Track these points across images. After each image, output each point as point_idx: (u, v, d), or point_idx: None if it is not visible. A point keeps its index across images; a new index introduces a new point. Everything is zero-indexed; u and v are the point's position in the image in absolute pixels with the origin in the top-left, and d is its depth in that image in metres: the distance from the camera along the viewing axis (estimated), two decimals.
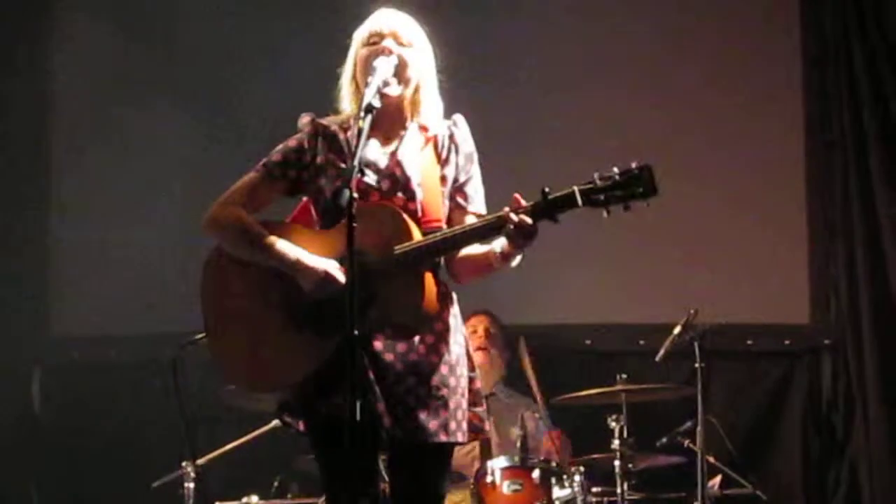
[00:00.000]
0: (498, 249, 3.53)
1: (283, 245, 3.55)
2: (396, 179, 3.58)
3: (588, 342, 6.80)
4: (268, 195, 3.67)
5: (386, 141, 3.66)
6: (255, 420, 5.63)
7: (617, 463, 5.53)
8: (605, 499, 5.73)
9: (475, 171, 3.72)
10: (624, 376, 5.67)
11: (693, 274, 6.61)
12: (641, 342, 6.49)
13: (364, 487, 3.54)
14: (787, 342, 6.80)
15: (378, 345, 3.50)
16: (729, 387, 6.66)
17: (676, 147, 6.57)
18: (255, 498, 5.69)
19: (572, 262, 6.57)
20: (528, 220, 3.40)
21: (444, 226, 3.60)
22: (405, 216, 3.51)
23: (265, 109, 6.41)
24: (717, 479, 5.86)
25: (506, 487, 5.47)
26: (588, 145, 6.50)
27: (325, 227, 3.62)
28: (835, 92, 6.78)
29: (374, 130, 3.54)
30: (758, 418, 6.73)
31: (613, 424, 5.55)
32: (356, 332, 3.16)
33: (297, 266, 3.52)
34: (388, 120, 3.63)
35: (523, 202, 3.42)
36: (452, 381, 3.56)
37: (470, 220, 3.61)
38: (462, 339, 3.66)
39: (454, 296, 3.66)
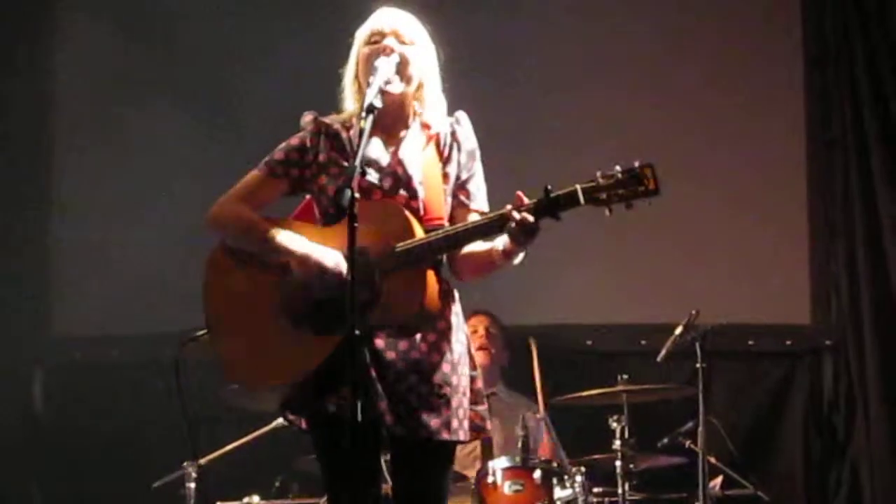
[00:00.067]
0: (500, 247, 3.53)
1: (286, 235, 3.56)
2: (398, 177, 3.58)
3: (589, 342, 6.80)
4: (270, 193, 3.68)
5: (388, 139, 3.66)
6: (256, 420, 5.63)
7: (618, 463, 5.53)
8: (607, 499, 5.73)
9: (478, 168, 3.72)
10: (625, 377, 5.68)
11: (694, 274, 6.61)
12: (643, 342, 6.49)
13: (366, 487, 3.55)
14: (788, 342, 6.80)
15: (380, 343, 3.49)
16: (730, 387, 6.66)
17: (677, 147, 6.56)
18: (256, 498, 5.68)
19: (573, 262, 6.57)
20: (531, 218, 3.40)
21: (447, 223, 3.60)
22: (407, 214, 3.52)
23: (265, 109, 6.41)
24: (719, 479, 5.86)
25: (507, 488, 5.46)
26: (588, 145, 6.50)
27: (327, 224, 3.62)
28: (836, 91, 6.79)
29: (377, 129, 3.53)
30: (759, 419, 6.73)
31: (615, 425, 5.55)
32: (357, 332, 3.16)
33: (301, 254, 3.52)
34: (391, 118, 3.63)
35: (525, 200, 3.42)
36: (454, 380, 3.56)
37: (473, 217, 3.61)
38: (464, 337, 3.66)
39: (456, 294, 3.66)
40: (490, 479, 5.46)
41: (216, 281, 3.68)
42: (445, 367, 3.55)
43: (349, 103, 3.71)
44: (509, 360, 6.56)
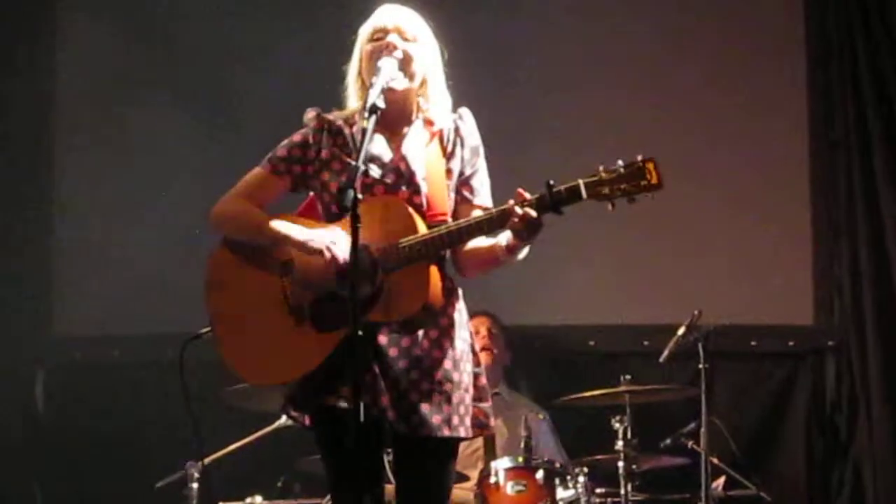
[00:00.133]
0: (503, 243, 3.53)
1: (287, 226, 3.58)
2: (401, 173, 3.58)
3: (592, 343, 6.79)
4: (273, 190, 3.69)
5: (391, 135, 3.66)
6: (258, 420, 5.62)
7: (621, 464, 5.51)
8: (609, 499, 5.71)
9: (481, 164, 3.72)
10: (628, 377, 5.66)
11: (697, 275, 6.61)
12: (645, 343, 6.47)
13: (369, 485, 3.55)
14: (790, 343, 6.79)
15: (382, 339, 3.50)
16: (733, 388, 6.65)
17: (679, 147, 6.56)
18: (258, 498, 5.67)
19: (576, 262, 6.57)
20: (533, 213, 3.39)
21: (450, 219, 3.59)
22: (410, 209, 3.51)
23: (265, 109, 6.41)
24: (721, 480, 5.85)
25: (509, 488, 5.46)
26: (589, 144, 6.49)
27: (330, 221, 3.62)
28: (838, 91, 6.78)
29: (379, 125, 3.53)
30: (762, 419, 6.73)
31: (617, 425, 5.54)
32: (360, 332, 3.16)
33: (302, 240, 3.53)
34: (394, 114, 3.62)
35: (527, 195, 3.41)
36: (456, 376, 3.56)
37: (476, 213, 3.60)
38: (467, 334, 3.65)
39: (460, 291, 3.66)
40: (493, 480, 5.47)
41: (218, 279, 3.69)
42: (447, 364, 3.55)
43: (352, 100, 3.72)
44: (511, 360, 6.56)
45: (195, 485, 5.44)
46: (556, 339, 6.78)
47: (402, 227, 3.48)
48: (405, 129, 3.67)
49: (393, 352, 3.50)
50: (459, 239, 3.50)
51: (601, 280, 6.65)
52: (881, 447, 6.50)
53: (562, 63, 6.90)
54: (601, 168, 3.40)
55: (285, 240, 3.57)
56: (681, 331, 5.61)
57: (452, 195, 3.65)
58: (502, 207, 3.45)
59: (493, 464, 5.52)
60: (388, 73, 3.52)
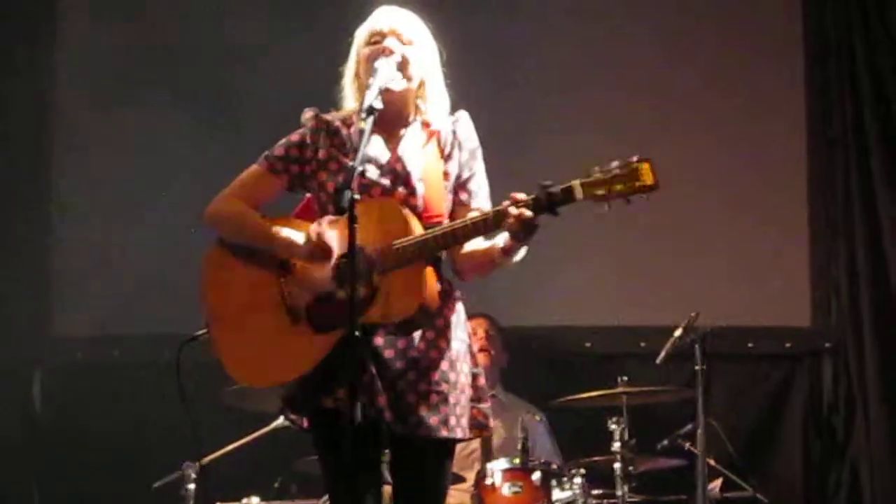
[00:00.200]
0: (500, 245, 3.52)
1: (282, 230, 3.58)
2: (398, 174, 3.58)
3: (588, 344, 6.80)
4: (269, 189, 3.68)
5: (389, 136, 3.66)
6: (255, 421, 5.63)
7: (617, 465, 5.52)
8: (606, 501, 5.72)
9: (479, 167, 3.71)
10: (624, 378, 5.67)
11: (694, 276, 6.62)
12: (642, 344, 6.48)
13: (366, 487, 3.54)
14: (787, 345, 6.80)
15: (378, 340, 3.50)
16: (730, 389, 6.66)
17: (677, 147, 6.56)
18: (255, 499, 5.67)
19: (573, 263, 6.57)
20: (529, 213, 3.39)
21: (447, 221, 3.59)
22: (406, 211, 3.51)
23: (265, 109, 6.40)
24: (718, 481, 5.86)
25: (506, 489, 5.47)
26: (587, 145, 6.48)
27: None
28: (836, 90, 6.79)
29: (377, 126, 3.53)
30: (759, 421, 6.74)
31: (614, 427, 5.55)
32: (357, 333, 3.18)
33: (297, 244, 3.52)
34: (391, 115, 3.62)
35: (521, 196, 3.41)
36: (453, 377, 3.56)
37: (472, 215, 3.59)
38: (464, 334, 3.65)
39: (457, 293, 3.66)
40: (489, 481, 5.48)
41: (214, 278, 3.69)
42: (444, 365, 3.55)
43: (349, 101, 3.71)
44: (508, 362, 6.57)
45: (192, 485, 5.45)
46: (553, 341, 6.79)
47: (398, 228, 3.47)
48: (403, 131, 3.67)
49: (389, 353, 3.50)
50: (455, 240, 3.49)
51: (598, 281, 6.66)
52: (878, 448, 6.51)
53: (560, 64, 6.91)
54: (597, 169, 3.40)
55: (279, 245, 3.56)
56: (678, 332, 5.61)
57: (449, 197, 3.64)
58: (498, 208, 3.45)
59: (490, 465, 5.52)
60: (386, 74, 3.52)
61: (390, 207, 3.52)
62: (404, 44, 3.63)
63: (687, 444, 5.78)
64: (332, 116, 3.69)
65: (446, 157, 3.65)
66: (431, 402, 3.52)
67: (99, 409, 6.72)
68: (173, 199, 6.65)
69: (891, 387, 6.54)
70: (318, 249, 3.50)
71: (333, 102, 3.76)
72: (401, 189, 3.57)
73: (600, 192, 3.38)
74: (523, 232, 3.42)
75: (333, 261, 3.49)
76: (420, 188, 3.57)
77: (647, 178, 3.37)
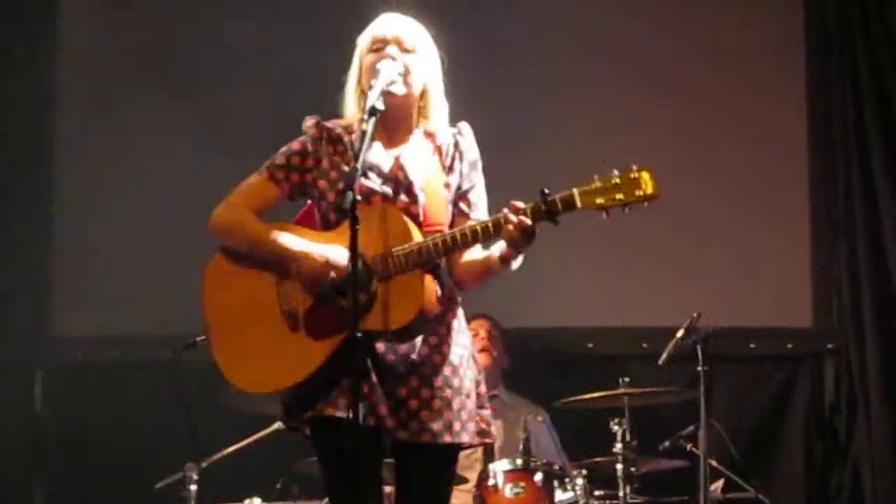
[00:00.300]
0: (497, 253, 3.52)
1: (285, 237, 3.57)
2: (399, 182, 3.58)
3: (590, 345, 6.80)
4: (270, 198, 3.68)
5: (390, 144, 3.65)
6: (257, 422, 5.62)
7: (619, 466, 5.52)
8: (608, 502, 5.72)
9: (479, 178, 3.71)
10: (626, 379, 5.65)
11: (695, 277, 6.62)
12: (644, 345, 6.47)
13: (367, 493, 3.53)
14: (789, 346, 6.80)
15: (380, 346, 3.49)
16: (732, 390, 6.66)
17: (678, 148, 6.57)
18: (257, 500, 5.66)
19: (575, 264, 6.58)
20: (528, 221, 3.39)
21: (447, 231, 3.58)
22: (406, 218, 3.51)
23: (265, 109, 6.42)
24: (720, 482, 5.86)
25: (508, 490, 5.47)
26: (587, 146, 6.49)
27: (326, 229, 3.61)
28: (838, 90, 6.78)
29: (379, 134, 3.56)
30: (760, 422, 6.74)
31: (616, 428, 5.55)
32: (358, 335, 3.18)
33: (300, 253, 3.52)
34: (393, 123, 3.63)
35: (521, 205, 3.41)
36: (456, 382, 3.56)
37: (472, 224, 3.58)
38: (466, 341, 3.65)
39: (458, 299, 3.66)
40: (491, 482, 5.47)
41: (215, 286, 3.69)
42: (447, 370, 3.55)
43: (350, 108, 3.70)
44: (510, 363, 6.56)
45: (194, 486, 5.44)
46: (555, 342, 6.79)
47: (398, 236, 3.47)
48: (404, 139, 3.67)
49: (391, 358, 3.50)
50: (455, 247, 3.48)
51: (600, 282, 6.66)
52: (880, 449, 6.51)
53: (560, 63, 6.89)
54: (596, 177, 3.39)
55: (283, 252, 3.56)
56: (679, 333, 5.61)
57: (450, 207, 3.64)
58: (497, 216, 3.45)
59: (492, 466, 5.52)
60: (388, 76, 3.52)
61: (391, 215, 3.51)
62: (407, 51, 3.62)
63: (689, 445, 5.78)
64: (334, 124, 3.68)
65: (448, 168, 3.65)
66: (434, 408, 3.51)
67: (100, 410, 6.72)
68: (173, 199, 6.65)
69: (892, 387, 6.54)
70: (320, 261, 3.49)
71: (334, 103, 3.75)
72: (402, 197, 3.57)
73: (600, 200, 3.38)
74: (522, 240, 3.42)
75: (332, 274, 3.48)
76: (421, 197, 3.57)
77: (647, 188, 3.37)
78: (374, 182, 3.55)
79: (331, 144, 3.64)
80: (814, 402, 6.72)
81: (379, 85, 3.47)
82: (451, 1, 6.49)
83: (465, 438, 3.57)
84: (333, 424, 3.42)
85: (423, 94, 3.67)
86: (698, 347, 5.55)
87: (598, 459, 5.71)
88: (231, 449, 5.68)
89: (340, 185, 3.45)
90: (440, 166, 3.64)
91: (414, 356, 3.51)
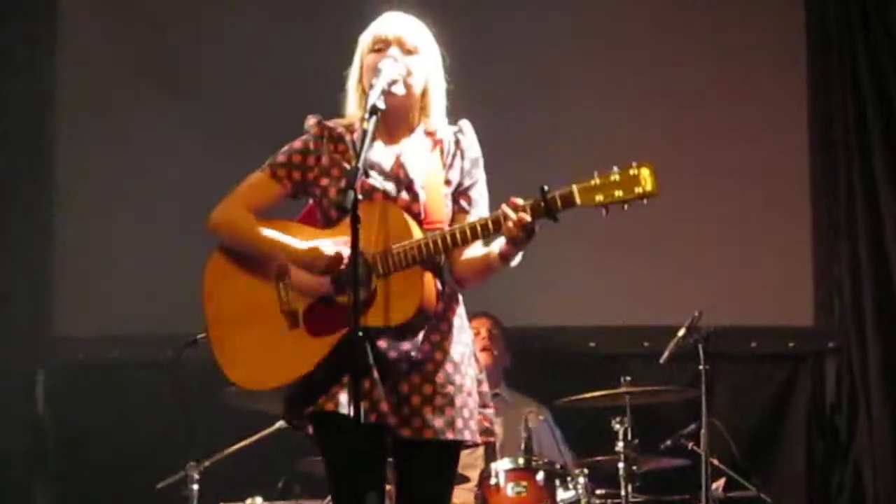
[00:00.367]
0: (496, 251, 3.52)
1: (282, 237, 3.57)
2: (400, 180, 3.58)
3: (592, 344, 6.80)
4: (271, 196, 3.68)
5: (391, 142, 3.65)
6: (258, 421, 5.61)
7: (621, 465, 5.52)
8: (609, 501, 5.72)
9: (480, 176, 3.71)
10: (628, 378, 5.65)
11: (697, 276, 6.62)
12: (645, 344, 6.47)
13: (370, 490, 3.53)
14: (791, 345, 6.81)
15: (382, 343, 3.49)
16: (733, 389, 6.66)
17: (678, 147, 6.57)
18: (258, 499, 5.66)
19: (576, 264, 6.58)
20: (527, 218, 3.38)
21: (447, 229, 3.58)
22: (406, 215, 3.51)
23: (266, 109, 6.41)
24: (721, 481, 5.85)
25: (510, 489, 5.46)
26: (589, 144, 6.49)
27: (327, 226, 3.62)
28: (838, 90, 6.78)
29: (380, 132, 3.56)
30: (762, 421, 6.74)
31: (617, 427, 5.54)
32: (360, 333, 3.19)
33: (289, 250, 3.52)
34: (394, 122, 3.63)
35: (520, 201, 3.40)
36: (458, 379, 3.56)
37: (472, 220, 3.58)
38: (468, 339, 3.65)
39: (460, 297, 3.66)
40: (493, 481, 5.46)
41: (215, 284, 3.69)
42: (449, 367, 3.55)
43: (352, 107, 3.70)
44: (511, 361, 6.56)
45: (195, 485, 5.44)
46: (556, 341, 6.79)
47: (398, 233, 3.47)
48: (405, 137, 3.67)
49: (393, 355, 3.50)
50: (455, 244, 3.48)
51: (601, 281, 6.66)
52: (881, 447, 6.51)
53: (560, 62, 6.89)
54: (596, 174, 3.39)
55: (282, 252, 3.56)
56: (681, 332, 5.62)
57: (450, 205, 3.64)
58: (496, 213, 3.45)
59: (494, 465, 5.51)
60: (389, 76, 3.52)
61: (391, 212, 3.52)
62: (408, 51, 3.62)
63: (690, 444, 5.78)
64: (335, 123, 3.68)
65: (448, 165, 3.65)
66: (436, 405, 3.51)
67: (101, 409, 6.72)
68: (173, 198, 6.65)
69: (894, 386, 6.55)
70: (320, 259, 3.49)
71: (334, 103, 3.75)
72: (403, 195, 3.57)
73: (599, 197, 3.37)
74: (521, 237, 3.41)
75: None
76: (422, 195, 3.57)
77: (647, 185, 3.35)
78: (375, 180, 3.55)
79: (332, 143, 3.64)
80: (815, 402, 6.72)
81: (380, 84, 3.47)
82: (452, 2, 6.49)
83: (466, 436, 3.56)
84: (335, 421, 3.41)
85: (424, 93, 3.67)
86: (699, 346, 5.55)
87: (599, 458, 5.71)
88: (233, 448, 5.68)
89: (342, 184, 3.45)
90: (441, 164, 3.64)
91: (416, 353, 3.51)
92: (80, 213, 7.06)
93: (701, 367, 5.54)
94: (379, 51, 3.61)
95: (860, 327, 6.62)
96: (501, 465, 5.50)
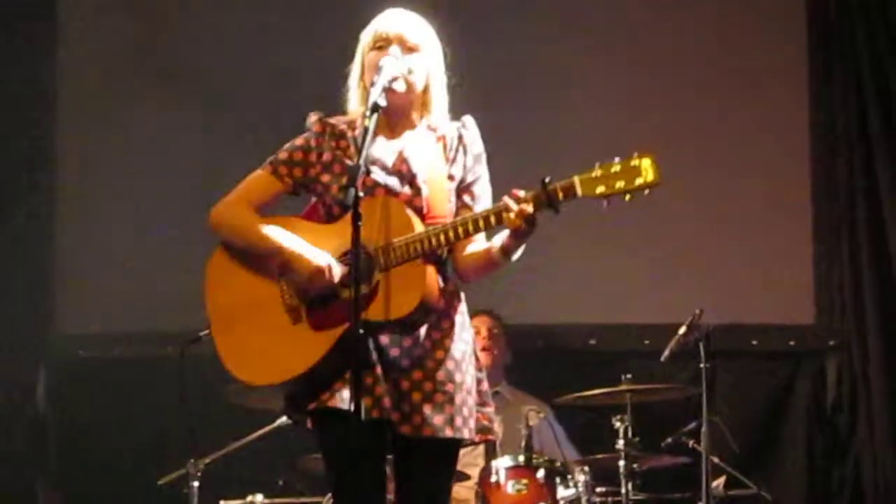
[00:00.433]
0: (498, 244, 3.51)
1: (281, 235, 3.57)
2: (402, 175, 3.58)
3: (593, 342, 6.81)
4: (272, 193, 3.68)
5: (393, 138, 3.65)
6: (260, 418, 5.62)
7: (622, 463, 5.52)
8: (610, 499, 5.72)
9: (483, 171, 3.70)
10: (629, 376, 5.65)
11: (698, 274, 6.61)
12: (646, 342, 6.47)
13: (371, 487, 3.54)
14: (791, 342, 6.81)
15: (384, 339, 3.49)
16: (734, 387, 6.66)
17: (679, 146, 6.56)
18: (259, 496, 5.68)
19: (577, 261, 6.58)
20: (529, 209, 3.37)
21: None
22: (408, 210, 3.51)
23: (267, 108, 6.42)
24: (722, 479, 5.84)
25: (510, 487, 5.45)
26: (590, 142, 6.48)
27: (330, 223, 3.62)
28: (841, 89, 6.78)
29: (382, 128, 3.57)
30: (762, 419, 6.75)
31: (618, 425, 5.54)
32: (361, 331, 3.19)
33: (293, 254, 3.52)
34: (396, 118, 3.64)
35: (521, 193, 3.40)
36: (458, 377, 3.56)
37: (474, 213, 3.57)
38: (469, 337, 3.65)
39: (462, 295, 3.66)
40: (493, 479, 5.46)
41: (218, 280, 3.69)
42: (449, 364, 3.55)
43: (354, 104, 3.71)
44: (511, 358, 6.56)
45: (196, 482, 5.45)
46: (557, 338, 6.79)
47: (400, 227, 3.47)
48: (407, 133, 3.67)
49: (395, 351, 3.50)
50: (456, 237, 3.48)
51: (602, 279, 6.66)
52: (882, 446, 6.52)
53: (562, 56, 6.90)
54: (597, 165, 3.39)
55: (281, 253, 3.56)
56: (682, 330, 5.61)
57: (453, 199, 3.64)
58: (498, 205, 3.45)
59: (494, 463, 5.51)
60: (390, 72, 3.52)
61: (394, 206, 3.51)
62: (410, 48, 3.61)
63: (691, 442, 5.77)
64: (337, 120, 3.68)
65: (451, 160, 3.65)
66: (436, 402, 3.51)
67: (103, 407, 6.73)
68: (174, 195, 6.65)
69: (894, 384, 6.54)
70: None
71: (333, 102, 3.75)
72: (406, 190, 3.57)
73: (601, 188, 3.37)
74: (523, 228, 3.40)
75: (336, 262, 3.49)
76: (425, 189, 3.57)
77: (649, 175, 3.35)
78: (377, 175, 3.55)
79: (333, 139, 3.64)
80: (816, 400, 6.72)
81: (381, 82, 3.47)
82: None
83: (465, 434, 3.56)
84: (337, 417, 3.41)
85: (425, 90, 3.67)
86: (700, 344, 5.55)
87: (600, 456, 5.71)
88: (234, 445, 5.69)
89: (344, 180, 3.45)
90: (443, 159, 3.64)
91: (417, 350, 3.51)
92: (82, 211, 7.07)
93: (702, 365, 5.54)
94: (380, 48, 3.61)
95: (861, 326, 6.63)
96: (502, 463, 5.50)
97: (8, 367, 6.80)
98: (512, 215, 3.38)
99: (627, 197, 3.37)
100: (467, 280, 3.67)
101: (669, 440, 5.86)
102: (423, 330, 3.53)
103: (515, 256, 3.53)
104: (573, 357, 6.72)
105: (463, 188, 3.66)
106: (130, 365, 6.83)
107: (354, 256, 3.23)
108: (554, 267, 6.16)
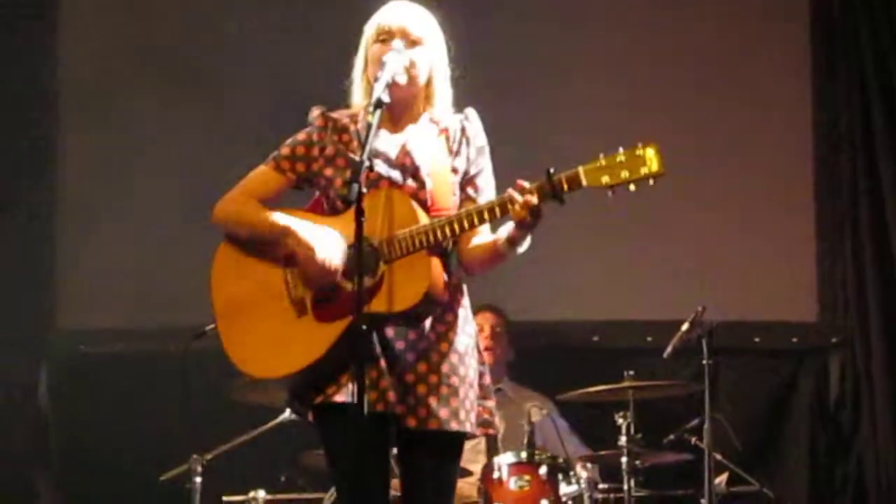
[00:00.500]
0: (504, 236, 3.51)
1: (286, 218, 3.58)
2: (406, 168, 3.58)
3: (595, 338, 6.81)
4: (276, 188, 3.69)
5: (396, 131, 3.65)
6: (262, 414, 5.62)
7: (624, 460, 5.51)
8: (612, 495, 5.72)
9: (486, 164, 3.71)
10: (631, 373, 5.64)
11: (701, 271, 6.61)
12: (649, 339, 6.45)
13: (374, 481, 3.53)
14: (794, 340, 6.81)
15: (389, 332, 3.49)
16: (736, 384, 6.65)
17: (682, 145, 6.54)
18: (262, 492, 5.67)
19: (580, 258, 6.58)
20: (534, 200, 3.37)
21: None
22: (412, 202, 3.51)
23: (267, 106, 6.42)
24: (724, 476, 5.83)
25: (512, 483, 5.46)
26: (591, 140, 6.45)
27: (332, 216, 3.62)
28: (844, 87, 6.78)
29: (385, 121, 3.57)
30: (765, 416, 6.75)
31: (621, 421, 5.54)
32: (364, 326, 3.19)
33: (300, 241, 3.51)
34: (399, 112, 3.64)
35: (526, 184, 3.40)
36: (462, 370, 3.56)
37: (479, 205, 3.57)
38: (472, 330, 3.65)
39: (464, 288, 3.66)
40: (496, 475, 5.46)
41: (221, 273, 3.69)
42: (453, 357, 3.55)
43: (357, 97, 3.71)
44: (514, 355, 6.55)
45: (199, 478, 5.45)
46: (560, 334, 6.79)
47: (404, 219, 3.47)
48: (411, 126, 3.67)
49: (400, 344, 3.50)
50: (461, 229, 3.48)
51: (605, 275, 6.66)
52: (884, 444, 6.51)
53: (562, 62, 6.90)
54: (601, 155, 3.39)
55: (284, 232, 3.56)
56: (685, 327, 5.60)
57: (457, 192, 3.64)
58: (502, 196, 3.44)
59: (497, 459, 5.51)
60: (393, 68, 3.52)
61: (398, 198, 3.52)
62: (413, 42, 3.61)
63: (693, 439, 5.76)
64: (339, 114, 3.68)
65: (454, 153, 3.65)
66: (441, 394, 3.51)
67: (105, 403, 6.73)
68: (176, 191, 6.65)
69: None
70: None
71: (333, 101, 3.75)
72: (410, 182, 3.57)
73: (605, 179, 3.37)
74: (528, 219, 3.40)
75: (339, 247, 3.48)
76: (428, 182, 3.57)
77: (653, 165, 3.35)
78: (381, 168, 3.55)
79: (336, 133, 3.64)
80: (818, 397, 6.72)
81: (384, 78, 3.47)
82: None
83: (468, 428, 3.56)
84: (340, 411, 3.41)
85: (428, 82, 3.67)
86: (703, 341, 5.54)
87: (602, 453, 5.70)
88: (237, 441, 5.69)
89: (347, 174, 3.44)
90: (447, 152, 3.64)
91: (422, 343, 3.52)
92: (82, 210, 7.06)
93: (704, 362, 5.53)
94: (383, 41, 3.61)
95: (864, 323, 6.62)
96: (504, 459, 5.50)
97: (8, 366, 6.80)
98: (517, 206, 3.38)
99: (632, 187, 3.37)
100: (473, 273, 3.67)
101: (672, 437, 5.85)
102: (427, 323, 3.52)
103: (522, 248, 3.53)
104: (576, 354, 6.72)
105: (466, 181, 3.65)
106: (132, 361, 6.83)
107: (358, 252, 3.23)
108: (556, 264, 6.16)
